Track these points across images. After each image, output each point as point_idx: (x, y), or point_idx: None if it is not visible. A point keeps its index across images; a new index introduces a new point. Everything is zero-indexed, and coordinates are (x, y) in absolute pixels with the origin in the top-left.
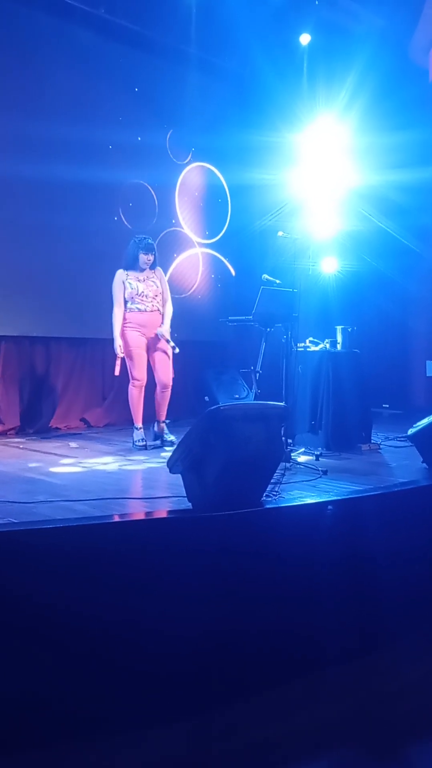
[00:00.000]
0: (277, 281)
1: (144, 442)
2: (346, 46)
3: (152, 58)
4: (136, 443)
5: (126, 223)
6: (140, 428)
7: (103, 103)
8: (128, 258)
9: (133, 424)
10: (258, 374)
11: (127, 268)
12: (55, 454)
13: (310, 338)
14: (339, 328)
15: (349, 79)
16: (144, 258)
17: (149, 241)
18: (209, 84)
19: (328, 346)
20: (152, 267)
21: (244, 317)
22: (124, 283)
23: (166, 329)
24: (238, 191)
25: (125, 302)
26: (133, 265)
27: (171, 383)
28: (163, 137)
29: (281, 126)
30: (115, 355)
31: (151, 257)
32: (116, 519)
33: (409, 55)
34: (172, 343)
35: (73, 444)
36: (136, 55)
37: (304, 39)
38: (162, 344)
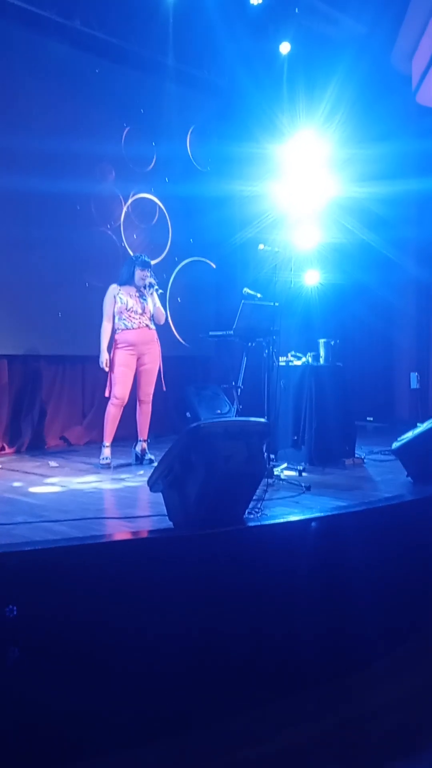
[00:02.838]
0: (258, 295)
1: (108, 461)
2: (327, 55)
3: (129, 70)
4: (102, 461)
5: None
6: (108, 446)
7: (80, 115)
8: (124, 274)
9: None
10: (240, 389)
11: (121, 284)
12: (35, 474)
13: (292, 352)
14: (321, 341)
15: (330, 87)
16: (140, 274)
17: (146, 259)
18: (188, 95)
19: (310, 359)
20: (150, 287)
21: (225, 332)
22: (115, 297)
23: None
24: (218, 203)
25: (114, 318)
26: (128, 281)
27: (151, 395)
28: (138, 148)
29: (261, 137)
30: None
31: (147, 274)
32: (96, 540)
33: (391, 63)
34: (156, 285)
35: (52, 463)
36: (112, 67)
37: (284, 48)
38: (151, 360)
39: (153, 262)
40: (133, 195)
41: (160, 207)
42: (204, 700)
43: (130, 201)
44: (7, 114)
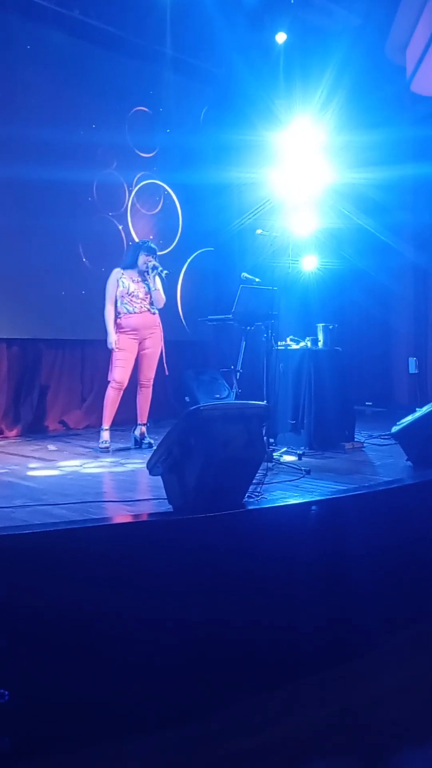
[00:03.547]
0: (257, 279)
1: (107, 445)
2: (323, 45)
3: (127, 59)
4: (100, 445)
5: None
6: (107, 429)
7: (78, 104)
8: (128, 258)
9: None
10: (238, 373)
11: (125, 268)
12: (34, 458)
13: (291, 336)
14: (320, 325)
15: (325, 77)
16: (143, 258)
17: (151, 244)
18: (185, 84)
19: (309, 344)
20: (154, 269)
21: (223, 316)
22: (118, 281)
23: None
24: (216, 190)
25: (116, 302)
26: (131, 266)
27: (152, 380)
28: (139, 137)
29: (258, 125)
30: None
31: (151, 259)
32: (96, 523)
33: (385, 53)
34: (160, 267)
35: (51, 447)
36: (110, 56)
37: (280, 38)
38: (152, 344)
39: (164, 251)
40: (139, 181)
41: (168, 194)
42: (203, 688)
43: (135, 189)
44: (6, 103)
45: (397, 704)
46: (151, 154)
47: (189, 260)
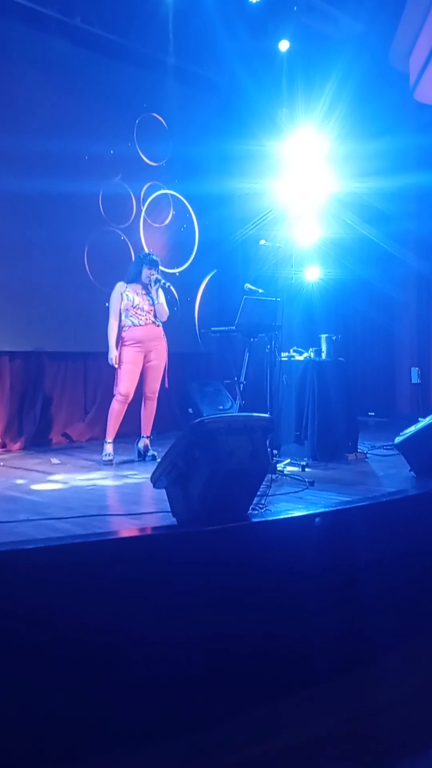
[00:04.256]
0: (260, 290)
1: (110, 458)
2: (326, 52)
3: (130, 68)
4: (104, 458)
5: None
6: (110, 442)
7: (80, 113)
8: (131, 272)
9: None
10: (242, 385)
11: (128, 282)
12: (37, 471)
13: (295, 347)
14: (323, 336)
15: (329, 84)
16: (147, 272)
17: (153, 257)
18: (188, 93)
19: (312, 355)
20: (156, 282)
21: (227, 328)
22: (122, 294)
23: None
24: (219, 200)
25: (120, 315)
26: (135, 279)
27: (157, 392)
28: (142, 147)
29: (261, 134)
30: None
31: (154, 272)
32: (99, 537)
33: (389, 60)
34: (162, 280)
35: (54, 460)
36: (113, 64)
37: (283, 46)
38: (157, 356)
39: (181, 269)
40: (147, 192)
41: (182, 204)
42: (211, 698)
43: (148, 201)
44: (7, 113)
45: (403, 713)
46: (159, 164)
47: (208, 278)
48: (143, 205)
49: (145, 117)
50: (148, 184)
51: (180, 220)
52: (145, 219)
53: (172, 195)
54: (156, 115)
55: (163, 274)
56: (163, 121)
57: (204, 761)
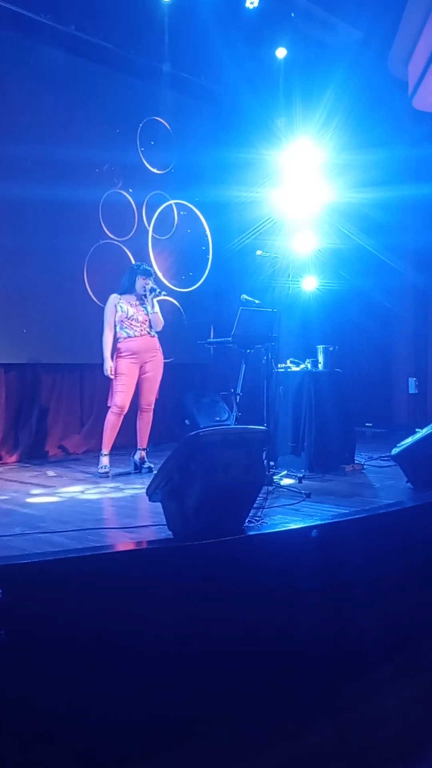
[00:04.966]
0: (257, 301)
1: (106, 470)
2: (324, 60)
3: (125, 76)
4: (100, 471)
5: (109, 233)
6: (106, 455)
7: (75, 121)
8: (125, 283)
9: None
10: (238, 396)
11: (122, 293)
12: (33, 484)
13: (291, 359)
14: (320, 347)
15: (327, 93)
16: (141, 282)
17: (146, 267)
18: (185, 101)
19: (309, 366)
20: (152, 291)
21: (223, 339)
22: (116, 306)
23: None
24: (216, 209)
25: (115, 327)
26: (128, 290)
27: (153, 404)
28: (136, 156)
29: (259, 143)
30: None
31: (149, 282)
32: (95, 551)
33: (388, 68)
34: (158, 289)
35: (50, 473)
36: (108, 72)
37: (280, 53)
38: (153, 368)
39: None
40: (150, 201)
41: (195, 214)
42: (203, 712)
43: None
44: (1, 121)
45: (397, 726)
46: (163, 171)
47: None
48: (146, 217)
49: (144, 124)
50: (152, 193)
51: (189, 232)
52: (151, 234)
53: (178, 204)
54: (149, 124)
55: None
56: (167, 124)
57: None
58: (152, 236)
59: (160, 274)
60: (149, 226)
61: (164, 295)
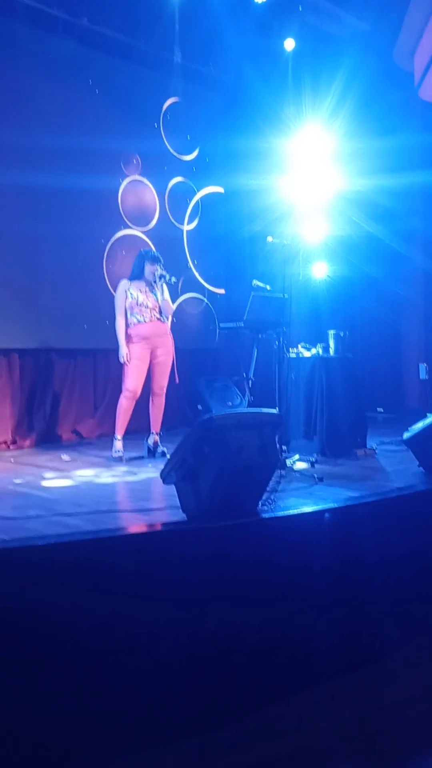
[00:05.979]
0: (268, 287)
1: (120, 454)
2: (331, 51)
3: (136, 67)
4: (114, 454)
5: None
6: (120, 439)
7: (87, 111)
8: (135, 270)
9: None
10: (250, 381)
11: (132, 279)
12: (48, 467)
13: (302, 344)
14: (331, 332)
15: (334, 83)
16: (150, 268)
17: (155, 253)
18: (195, 91)
19: (320, 351)
20: (161, 278)
21: (235, 324)
22: (126, 292)
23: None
24: (226, 197)
25: (126, 313)
26: (138, 276)
27: (165, 388)
28: (149, 145)
29: (268, 132)
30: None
31: (158, 268)
32: (110, 533)
33: (394, 59)
34: (167, 275)
35: (65, 456)
36: (119, 64)
37: (289, 44)
38: (164, 352)
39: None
40: (171, 189)
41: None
42: (219, 696)
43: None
44: (15, 111)
45: (413, 709)
46: (190, 156)
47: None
48: (165, 200)
49: (150, 115)
50: (175, 181)
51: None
52: (165, 215)
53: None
54: (158, 114)
55: (209, 293)
56: (167, 119)
57: (214, 761)
58: (171, 223)
59: (196, 274)
60: (165, 207)
61: (173, 281)
